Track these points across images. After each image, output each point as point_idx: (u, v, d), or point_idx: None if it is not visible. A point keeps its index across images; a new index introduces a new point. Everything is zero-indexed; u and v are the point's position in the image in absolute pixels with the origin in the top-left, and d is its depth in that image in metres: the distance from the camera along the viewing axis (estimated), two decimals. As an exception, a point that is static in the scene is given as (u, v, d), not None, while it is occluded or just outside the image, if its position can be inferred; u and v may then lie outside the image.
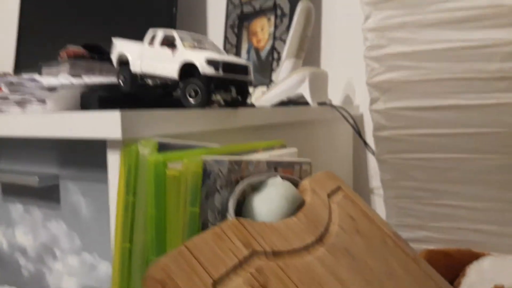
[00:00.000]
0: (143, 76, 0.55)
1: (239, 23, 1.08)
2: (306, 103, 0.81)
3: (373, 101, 0.71)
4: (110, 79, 0.60)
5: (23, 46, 1.24)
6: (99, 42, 0.72)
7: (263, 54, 1.03)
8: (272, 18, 1.01)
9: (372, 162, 1.01)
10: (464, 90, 0.64)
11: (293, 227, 0.40)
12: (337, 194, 0.53)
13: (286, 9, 0.98)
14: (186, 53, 0.50)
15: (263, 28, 1.03)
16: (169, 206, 0.37)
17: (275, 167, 0.50)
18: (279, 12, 1.00)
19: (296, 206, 0.45)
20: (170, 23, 1.05)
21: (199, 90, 0.49)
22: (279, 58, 0.97)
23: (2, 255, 0.60)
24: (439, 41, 0.63)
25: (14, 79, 0.61)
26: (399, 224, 0.82)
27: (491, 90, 0.63)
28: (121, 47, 0.57)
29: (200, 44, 0.54)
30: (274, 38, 1.00)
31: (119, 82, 0.57)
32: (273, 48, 1.00)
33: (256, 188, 0.45)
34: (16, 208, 0.57)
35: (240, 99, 0.56)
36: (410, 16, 0.64)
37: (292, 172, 0.54)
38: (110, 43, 0.60)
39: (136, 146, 0.39)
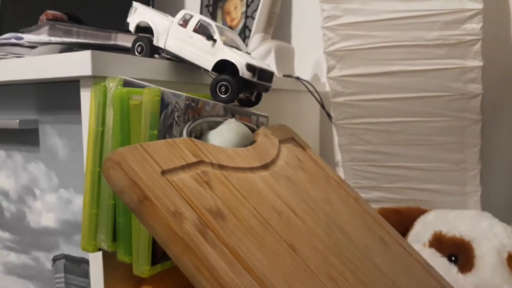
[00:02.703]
0: (163, 52, 0.55)
1: (213, 2, 1.14)
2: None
3: (329, 69, 0.78)
4: (89, 41, 0.65)
5: (6, 17, 1.28)
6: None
7: (236, 32, 1.09)
8: (245, -2, 1.08)
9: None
10: (408, 57, 0.71)
11: (240, 154, 0.46)
12: (288, 142, 0.60)
13: (258, -10, 1.05)
14: (226, 51, 0.52)
15: (236, 7, 1.10)
16: (132, 131, 0.44)
17: (232, 113, 0.56)
18: (251, -8, 1.06)
19: (247, 144, 0.51)
20: (147, 2, 1.11)
21: (229, 87, 0.52)
22: (250, 36, 1.03)
23: (-15, 199, 0.65)
24: (387, 11, 0.70)
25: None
26: (355, 186, 0.89)
27: (431, 56, 0.70)
28: (143, 14, 0.55)
29: (233, 41, 0.56)
30: (246, 16, 1.06)
31: (134, 50, 0.56)
32: (245, 26, 1.06)
33: (212, 128, 0.52)
34: (-1, 154, 0.62)
35: (253, 100, 0.60)
36: (360, -11, 0.71)
37: (249, 121, 0.60)
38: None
39: (104, 83, 0.45)
